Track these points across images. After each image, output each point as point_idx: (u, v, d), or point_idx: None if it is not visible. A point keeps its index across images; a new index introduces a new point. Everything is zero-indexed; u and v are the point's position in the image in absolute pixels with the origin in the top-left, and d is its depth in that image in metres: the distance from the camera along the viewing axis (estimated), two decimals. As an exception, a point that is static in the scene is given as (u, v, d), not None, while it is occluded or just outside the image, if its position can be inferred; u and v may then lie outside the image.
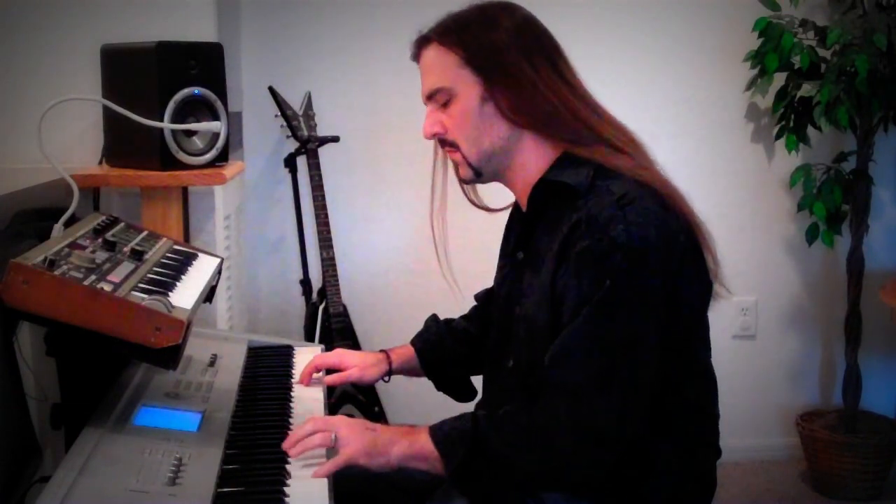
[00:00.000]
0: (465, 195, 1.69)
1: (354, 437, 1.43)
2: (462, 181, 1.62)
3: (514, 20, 1.53)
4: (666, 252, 1.42)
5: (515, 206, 1.70)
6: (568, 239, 1.43)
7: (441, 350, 1.82)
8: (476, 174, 1.57)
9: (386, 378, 1.83)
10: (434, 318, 1.86)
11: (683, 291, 1.45)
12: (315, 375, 1.79)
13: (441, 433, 1.44)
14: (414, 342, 1.83)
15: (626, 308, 1.40)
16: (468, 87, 1.51)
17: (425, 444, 1.44)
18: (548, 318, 1.46)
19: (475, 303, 1.87)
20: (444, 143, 1.58)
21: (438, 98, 1.54)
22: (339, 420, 1.48)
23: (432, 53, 1.54)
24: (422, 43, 1.56)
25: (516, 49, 1.50)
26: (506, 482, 1.45)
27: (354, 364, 1.79)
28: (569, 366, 1.41)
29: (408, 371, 1.83)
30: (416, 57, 1.58)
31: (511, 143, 1.53)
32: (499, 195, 1.71)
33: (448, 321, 1.85)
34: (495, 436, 1.42)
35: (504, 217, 1.75)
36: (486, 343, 1.69)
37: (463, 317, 1.86)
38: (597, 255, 1.39)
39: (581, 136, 1.50)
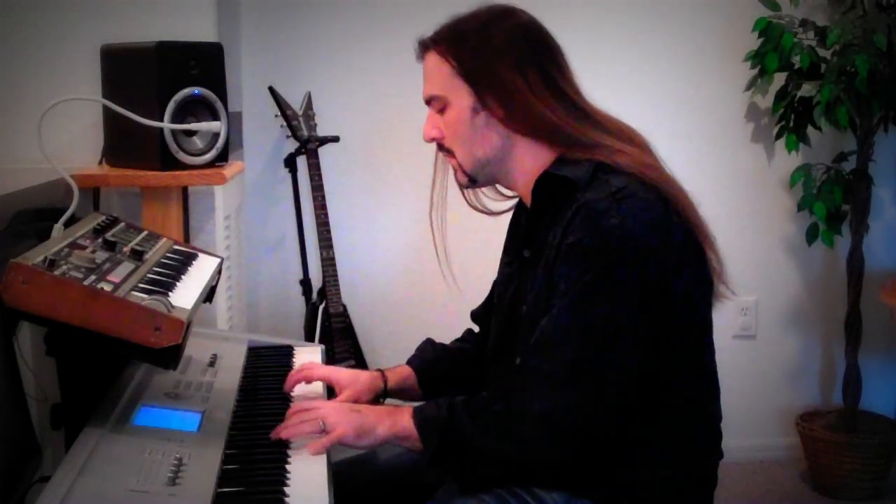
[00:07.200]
0: (466, 200, 1.68)
1: (343, 420, 1.48)
2: (459, 185, 1.62)
3: (510, 30, 1.53)
4: (660, 246, 1.41)
5: (520, 204, 1.69)
6: (565, 231, 1.43)
7: (439, 369, 1.78)
8: (471, 180, 1.59)
9: (381, 399, 1.76)
10: (429, 341, 1.84)
11: (680, 288, 1.43)
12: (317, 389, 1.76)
13: (421, 416, 1.47)
14: (410, 361, 1.80)
15: (608, 299, 1.39)
16: (460, 98, 1.53)
17: (407, 424, 1.47)
18: (545, 313, 1.45)
19: (474, 307, 1.83)
20: (442, 147, 1.60)
21: (434, 105, 1.57)
22: (325, 405, 1.53)
23: (432, 60, 1.56)
24: (426, 46, 1.58)
25: (509, 61, 1.50)
26: (481, 469, 1.48)
27: (348, 383, 1.72)
28: (545, 354, 1.41)
29: (404, 392, 1.77)
30: (421, 58, 1.59)
31: (505, 151, 1.54)
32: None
33: (442, 344, 1.83)
34: (470, 423, 1.43)
35: (505, 217, 1.74)
36: (487, 345, 1.68)
37: (457, 339, 1.84)
38: (587, 246, 1.39)
39: (576, 142, 1.50)
